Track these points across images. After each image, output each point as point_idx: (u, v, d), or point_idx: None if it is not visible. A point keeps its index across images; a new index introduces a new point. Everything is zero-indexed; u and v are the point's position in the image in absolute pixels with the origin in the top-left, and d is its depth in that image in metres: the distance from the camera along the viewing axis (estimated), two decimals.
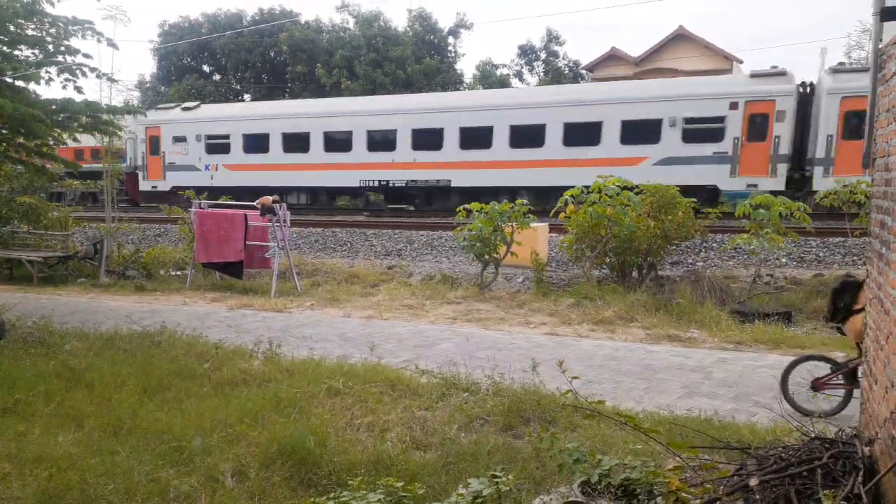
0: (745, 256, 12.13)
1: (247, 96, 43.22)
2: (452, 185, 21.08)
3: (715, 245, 13.14)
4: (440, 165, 21.19)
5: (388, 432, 5.01)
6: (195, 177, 24.18)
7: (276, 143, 23.48)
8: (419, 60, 38.29)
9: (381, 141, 22.00)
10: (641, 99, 19.05)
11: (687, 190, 12.90)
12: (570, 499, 3.69)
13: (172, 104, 28.33)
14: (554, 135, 19.76)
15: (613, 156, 19.03)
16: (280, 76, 42.20)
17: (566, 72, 40.84)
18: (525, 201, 11.82)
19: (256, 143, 23.84)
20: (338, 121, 22.73)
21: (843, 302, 5.19)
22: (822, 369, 5.58)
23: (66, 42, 9.68)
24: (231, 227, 12.16)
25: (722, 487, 3.59)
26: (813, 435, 4.05)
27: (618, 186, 11.07)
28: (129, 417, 5.29)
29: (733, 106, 17.99)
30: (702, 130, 18.32)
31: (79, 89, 10.29)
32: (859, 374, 4.91)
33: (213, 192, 20.29)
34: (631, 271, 11.66)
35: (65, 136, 10.99)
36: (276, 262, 12.16)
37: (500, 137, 20.30)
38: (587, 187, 11.43)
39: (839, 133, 16.90)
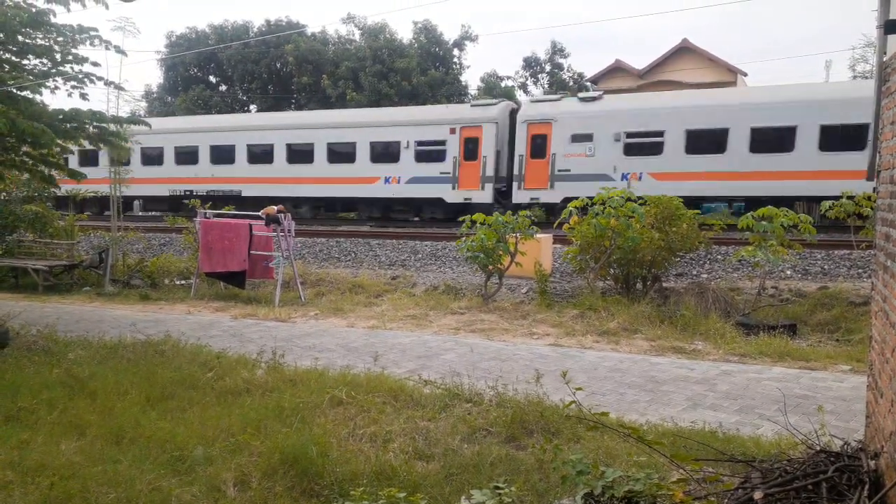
0: (750, 268, 12.09)
1: (253, 107, 43.46)
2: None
3: (719, 257, 13.11)
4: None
5: (391, 443, 5.00)
6: None
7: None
8: (424, 72, 38.39)
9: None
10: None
11: None
12: None
13: None
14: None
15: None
16: (286, 87, 42.41)
17: (571, 84, 40.92)
18: (528, 213, 11.83)
19: None
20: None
21: None
22: None
23: (73, 51, 9.77)
24: (235, 237, 12.19)
25: (726, 500, 3.57)
26: (818, 448, 4.03)
27: (622, 198, 11.07)
28: (131, 426, 5.29)
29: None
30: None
31: (84, 96, 10.35)
32: None
33: None
34: (635, 283, 11.63)
35: (70, 144, 11.06)
36: (280, 271, 12.18)
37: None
38: (591, 198, 11.43)
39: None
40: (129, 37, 12.77)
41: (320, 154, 22.60)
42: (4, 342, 7.85)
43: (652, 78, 33.79)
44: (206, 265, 12.55)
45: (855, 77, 33.61)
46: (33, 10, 9.22)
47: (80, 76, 9.92)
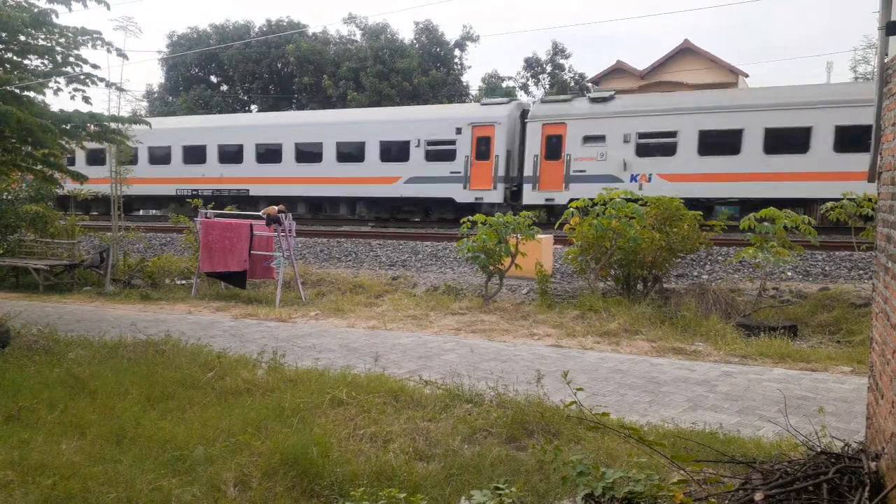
0: (751, 270, 12.09)
1: (254, 107, 43.48)
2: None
3: (720, 258, 13.10)
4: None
5: (392, 443, 4.99)
6: None
7: None
8: (425, 72, 38.40)
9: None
10: None
11: None
12: None
13: None
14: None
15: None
16: (287, 87, 42.43)
17: (572, 84, 40.92)
18: (529, 213, 11.83)
19: None
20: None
21: None
22: None
23: (75, 52, 9.77)
24: (236, 237, 12.20)
25: (727, 502, 3.56)
26: (819, 449, 4.02)
27: (623, 199, 11.06)
28: (132, 426, 5.29)
29: None
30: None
31: (87, 100, 10.35)
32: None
33: None
34: (636, 283, 11.63)
35: (72, 144, 11.07)
36: (280, 271, 12.19)
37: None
38: (592, 199, 11.43)
39: None
40: (131, 36, 12.86)
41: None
42: (5, 341, 7.86)
43: (653, 79, 33.78)
44: (206, 265, 12.55)
45: (856, 78, 33.51)
46: (35, 10, 9.23)
47: (82, 77, 9.93)
